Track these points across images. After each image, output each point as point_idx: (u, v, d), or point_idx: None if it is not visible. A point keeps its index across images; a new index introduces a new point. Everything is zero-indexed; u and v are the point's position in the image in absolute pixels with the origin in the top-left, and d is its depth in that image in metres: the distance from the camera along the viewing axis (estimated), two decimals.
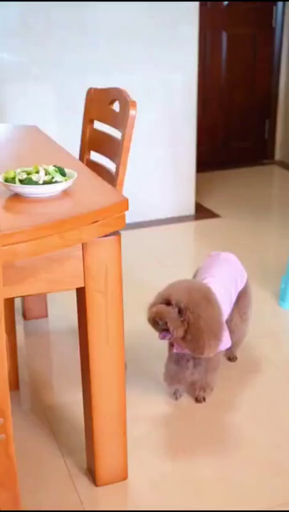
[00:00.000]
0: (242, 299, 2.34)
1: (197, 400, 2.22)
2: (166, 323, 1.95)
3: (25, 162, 1.88)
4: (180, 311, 1.96)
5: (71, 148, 2.39)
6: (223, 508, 1.79)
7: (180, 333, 1.96)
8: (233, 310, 2.29)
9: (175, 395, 2.24)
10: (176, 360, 2.17)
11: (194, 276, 2.35)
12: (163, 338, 2.00)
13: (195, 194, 4.16)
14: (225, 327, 2.09)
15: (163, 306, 1.97)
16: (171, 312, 1.95)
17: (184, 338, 1.98)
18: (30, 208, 1.57)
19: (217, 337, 1.99)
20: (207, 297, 2.01)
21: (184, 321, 1.95)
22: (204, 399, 2.21)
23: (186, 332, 1.97)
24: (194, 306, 1.95)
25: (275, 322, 2.78)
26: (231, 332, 2.26)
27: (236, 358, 2.46)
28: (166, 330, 1.97)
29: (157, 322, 1.96)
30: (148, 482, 1.88)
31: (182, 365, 2.16)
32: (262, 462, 1.96)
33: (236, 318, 2.32)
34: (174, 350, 2.14)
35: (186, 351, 2.07)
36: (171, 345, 2.17)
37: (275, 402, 2.24)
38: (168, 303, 1.97)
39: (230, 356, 2.46)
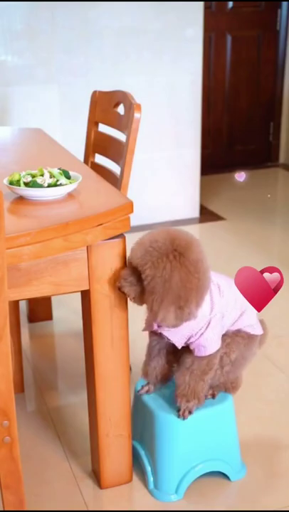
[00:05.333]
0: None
1: (179, 413, 1.78)
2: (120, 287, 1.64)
3: (30, 165, 1.88)
4: (136, 272, 1.61)
5: (76, 150, 2.39)
6: (225, 509, 1.79)
7: (131, 294, 1.62)
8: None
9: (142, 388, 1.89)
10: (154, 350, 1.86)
11: None
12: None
13: (200, 197, 4.16)
14: (217, 295, 1.73)
15: (124, 269, 1.66)
16: (126, 274, 1.63)
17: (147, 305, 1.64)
18: (35, 211, 1.58)
19: (186, 303, 1.58)
20: (178, 251, 1.60)
21: (139, 283, 1.61)
22: (190, 412, 1.77)
23: (142, 295, 1.62)
24: (149, 264, 1.58)
25: (278, 324, 2.78)
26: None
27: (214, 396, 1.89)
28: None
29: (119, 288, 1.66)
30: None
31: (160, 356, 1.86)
32: (266, 464, 1.95)
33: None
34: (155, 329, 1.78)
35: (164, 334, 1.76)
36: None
37: (279, 404, 2.24)
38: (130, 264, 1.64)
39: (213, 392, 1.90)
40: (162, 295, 1.57)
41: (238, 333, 1.84)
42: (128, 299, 1.67)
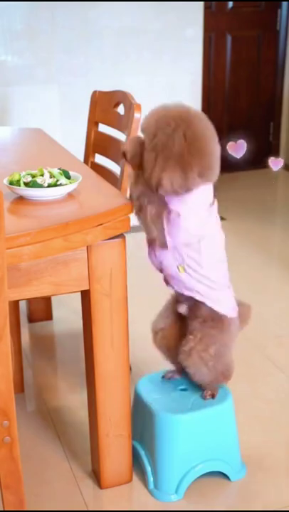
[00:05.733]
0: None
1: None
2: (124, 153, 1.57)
3: (30, 165, 1.88)
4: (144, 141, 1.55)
5: (76, 150, 2.39)
6: (225, 509, 1.79)
7: (130, 150, 1.56)
8: None
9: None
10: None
11: None
12: None
13: None
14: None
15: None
16: (136, 137, 1.57)
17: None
18: (34, 211, 1.58)
19: (189, 166, 1.53)
20: (184, 117, 1.58)
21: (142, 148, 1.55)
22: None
23: (142, 156, 1.55)
24: (150, 127, 1.54)
25: (278, 323, 2.78)
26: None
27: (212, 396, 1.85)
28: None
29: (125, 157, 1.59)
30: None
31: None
32: (266, 464, 1.95)
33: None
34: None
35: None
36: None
37: (279, 404, 2.24)
38: None
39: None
40: (165, 154, 1.52)
41: (204, 322, 1.74)
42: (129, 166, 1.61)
